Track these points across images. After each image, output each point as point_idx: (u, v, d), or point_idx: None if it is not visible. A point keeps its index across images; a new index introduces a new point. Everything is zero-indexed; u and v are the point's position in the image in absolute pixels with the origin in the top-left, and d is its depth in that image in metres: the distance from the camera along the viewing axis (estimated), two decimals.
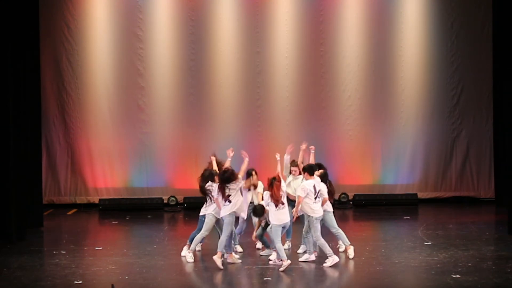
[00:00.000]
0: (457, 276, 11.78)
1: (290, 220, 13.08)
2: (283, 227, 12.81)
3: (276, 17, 19.74)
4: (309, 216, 12.87)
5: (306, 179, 13.03)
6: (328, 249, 12.74)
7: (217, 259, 12.56)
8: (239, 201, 12.84)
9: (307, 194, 12.81)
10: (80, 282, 11.72)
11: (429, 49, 19.92)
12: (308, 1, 19.73)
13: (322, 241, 12.79)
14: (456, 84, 19.97)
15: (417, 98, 19.97)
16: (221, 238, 12.79)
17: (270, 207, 12.70)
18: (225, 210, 12.80)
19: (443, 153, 20.10)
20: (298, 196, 12.85)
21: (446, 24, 19.89)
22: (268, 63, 19.76)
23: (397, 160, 19.97)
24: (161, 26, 19.64)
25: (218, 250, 12.64)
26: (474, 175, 20.16)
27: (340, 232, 13.33)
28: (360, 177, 19.93)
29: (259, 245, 14.12)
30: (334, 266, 12.65)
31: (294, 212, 12.94)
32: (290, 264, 12.39)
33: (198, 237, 13.25)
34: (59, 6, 19.42)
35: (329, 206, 13.29)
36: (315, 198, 12.85)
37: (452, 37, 19.91)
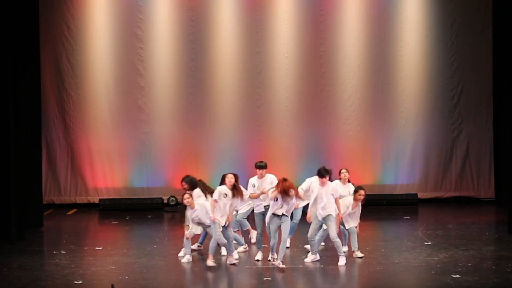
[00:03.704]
0: (457, 276, 11.79)
1: (292, 222, 13.13)
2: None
3: (276, 17, 19.74)
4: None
5: (326, 184, 12.86)
6: (341, 250, 12.80)
7: (209, 261, 12.57)
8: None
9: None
10: (80, 282, 11.72)
11: (429, 49, 19.91)
12: (308, 1, 19.73)
13: (338, 241, 12.80)
14: (456, 84, 19.97)
15: (417, 98, 19.96)
16: (211, 242, 12.73)
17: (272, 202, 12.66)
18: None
19: (443, 153, 20.09)
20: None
21: (446, 24, 19.88)
22: (268, 63, 19.76)
23: (397, 160, 19.97)
24: (161, 26, 19.64)
25: (209, 253, 12.66)
26: (474, 175, 20.15)
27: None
28: (360, 177, 19.89)
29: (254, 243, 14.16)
30: (335, 266, 12.66)
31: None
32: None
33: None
34: (59, 6, 19.42)
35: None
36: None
37: (452, 37, 19.90)
